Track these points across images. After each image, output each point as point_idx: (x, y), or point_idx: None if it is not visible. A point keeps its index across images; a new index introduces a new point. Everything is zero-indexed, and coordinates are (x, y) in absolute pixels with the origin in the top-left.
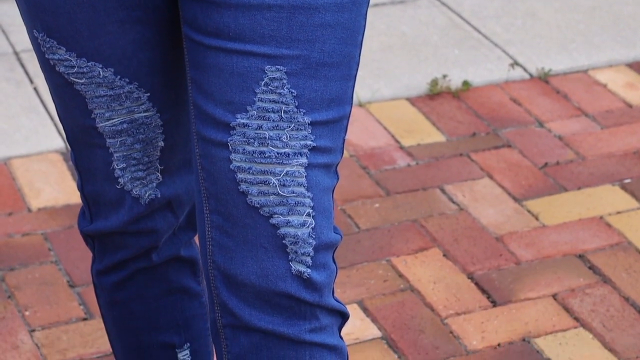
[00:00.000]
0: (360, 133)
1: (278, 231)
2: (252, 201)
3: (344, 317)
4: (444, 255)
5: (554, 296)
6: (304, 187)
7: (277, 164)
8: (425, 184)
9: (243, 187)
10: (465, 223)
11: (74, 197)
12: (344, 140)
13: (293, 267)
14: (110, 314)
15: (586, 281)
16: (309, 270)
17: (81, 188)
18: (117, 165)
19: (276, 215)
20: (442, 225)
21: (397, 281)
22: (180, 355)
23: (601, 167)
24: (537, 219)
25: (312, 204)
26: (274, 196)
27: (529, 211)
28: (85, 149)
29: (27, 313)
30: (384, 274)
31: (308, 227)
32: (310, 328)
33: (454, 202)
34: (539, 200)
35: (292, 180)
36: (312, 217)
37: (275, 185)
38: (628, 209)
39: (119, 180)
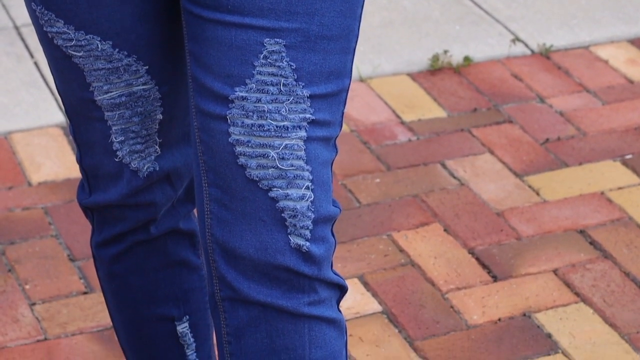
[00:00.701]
0: (361, 108)
1: (277, 204)
2: (250, 174)
3: (342, 290)
4: (445, 230)
5: (555, 271)
6: (303, 160)
7: (276, 137)
8: (426, 159)
9: (242, 160)
10: (466, 198)
11: (75, 171)
12: (342, 113)
13: (292, 240)
14: (109, 286)
15: (587, 256)
16: (307, 243)
17: (80, 161)
18: (116, 139)
19: (275, 189)
20: (443, 200)
21: (398, 256)
22: (179, 328)
23: (602, 143)
24: (538, 194)
25: (311, 177)
26: (272, 169)
27: (529, 186)
28: (83, 122)
29: (27, 287)
30: (385, 249)
31: (307, 200)
32: (309, 301)
33: (454, 178)
34: (540, 175)
35: (291, 154)
36: (311, 190)
37: (274, 159)
38: (629, 184)
39: (118, 153)
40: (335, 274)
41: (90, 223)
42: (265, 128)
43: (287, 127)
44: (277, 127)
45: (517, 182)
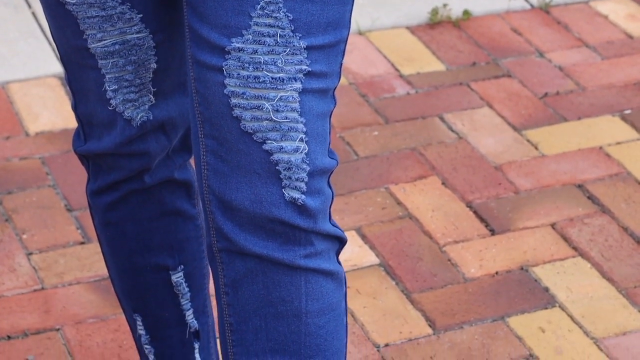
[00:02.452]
0: (360, 61)
1: (271, 157)
2: (245, 127)
3: (341, 242)
4: (443, 183)
5: (553, 225)
6: (297, 112)
7: (271, 89)
8: (424, 112)
9: (237, 112)
10: (464, 152)
11: (72, 121)
12: (341, 65)
13: (286, 193)
14: (104, 234)
15: (585, 211)
16: (303, 196)
17: (75, 108)
18: (109, 87)
19: (269, 141)
20: (441, 153)
21: (396, 209)
22: (173, 277)
23: (601, 98)
24: (536, 148)
25: (305, 130)
26: (267, 122)
27: (528, 141)
28: (78, 70)
29: (24, 236)
30: (383, 202)
31: (301, 152)
32: (305, 254)
33: (453, 131)
34: (539, 130)
35: (286, 106)
36: (306, 142)
37: (269, 111)
38: (628, 139)
39: (111, 101)
40: (334, 225)
41: (86, 171)
42: (260, 80)
43: (283, 79)
44: (272, 78)
45: (516, 136)
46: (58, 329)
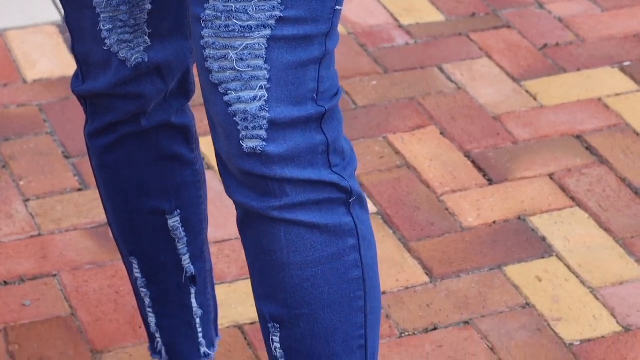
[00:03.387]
0: (358, 11)
1: (230, 109)
2: (213, 78)
3: (345, 191)
4: (441, 133)
5: (551, 176)
6: (262, 59)
7: (238, 38)
8: (423, 62)
9: (208, 63)
10: (462, 102)
11: (70, 69)
12: (333, 9)
13: (244, 144)
14: (101, 176)
15: (583, 161)
16: (263, 144)
17: (72, 48)
18: (104, 27)
19: (230, 92)
20: (439, 103)
21: (394, 158)
22: (170, 222)
23: (601, 50)
24: (535, 99)
25: (267, 77)
26: (230, 71)
27: (527, 91)
28: (75, 10)
29: (21, 183)
30: (381, 151)
31: (259, 100)
32: (280, 205)
33: (452, 81)
34: (538, 80)
35: (250, 54)
36: (266, 89)
37: (233, 60)
38: (627, 91)
39: (106, 41)
40: (337, 173)
41: (84, 112)
42: (230, 29)
43: (251, 27)
44: (241, 27)
45: (515, 86)
46: (55, 275)
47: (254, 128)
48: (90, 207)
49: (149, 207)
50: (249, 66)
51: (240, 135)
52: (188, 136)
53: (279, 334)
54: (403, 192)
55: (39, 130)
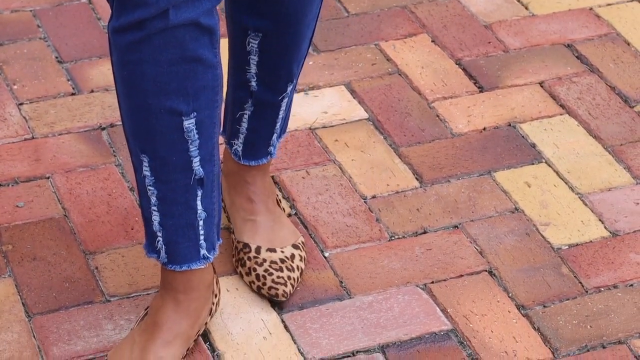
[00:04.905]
0: None
1: None
2: None
3: None
4: (433, 41)
5: (541, 84)
6: None
7: None
8: None
9: None
10: (454, 10)
11: None
12: None
13: None
14: (121, 73)
15: (573, 70)
16: None
17: None
18: None
19: None
20: (431, 11)
21: (385, 65)
22: (185, 123)
23: None
24: (526, 8)
25: None
26: None
27: (518, 0)
28: None
29: (15, 87)
30: (372, 58)
31: None
32: None
33: None
34: None
35: None
36: None
37: None
38: (618, 1)
39: None
40: None
41: (110, 6)
42: None
43: None
44: None
45: None
46: (48, 177)
47: None
48: (83, 112)
49: (167, 106)
50: None
51: None
52: (213, 39)
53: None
54: (394, 99)
55: (33, 35)
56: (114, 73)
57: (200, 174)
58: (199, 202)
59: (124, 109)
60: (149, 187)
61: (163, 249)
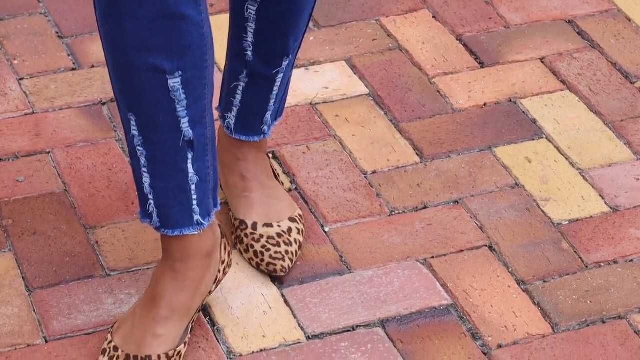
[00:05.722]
0: None
1: None
2: None
3: None
4: (434, 17)
5: (542, 59)
6: None
7: None
8: None
9: None
10: None
11: None
12: None
13: None
14: (104, 27)
15: (574, 46)
16: None
17: None
18: None
19: None
20: None
21: (386, 40)
22: (170, 82)
23: None
24: None
25: None
26: None
27: None
28: None
29: (15, 62)
30: (373, 33)
31: None
32: None
33: None
34: None
35: None
36: None
37: None
38: None
39: None
40: None
41: None
42: None
43: None
44: None
45: None
46: (48, 152)
47: None
48: (84, 86)
49: (149, 63)
50: None
51: None
52: None
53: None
54: (395, 74)
55: (33, 10)
56: (99, 29)
57: (189, 135)
58: (189, 165)
59: (110, 66)
60: (138, 148)
61: (155, 212)
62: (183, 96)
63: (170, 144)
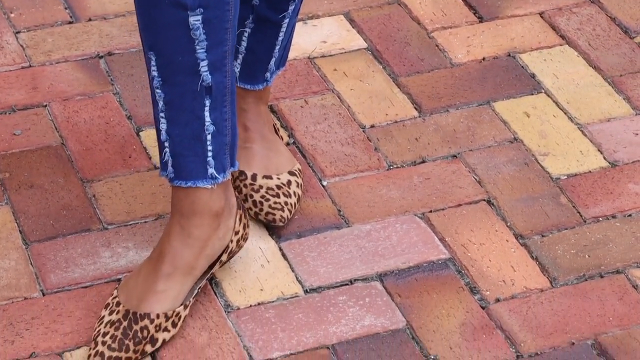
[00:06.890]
0: None
1: None
2: None
3: None
4: None
5: (541, 14)
6: None
7: None
8: None
9: None
10: None
11: None
12: None
13: None
14: None
15: (573, 0)
16: None
17: None
18: None
19: None
20: None
21: None
22: (191, 19)
23: None
24: None
25: None
26: None
27: None
28: None
29: (12, 15)
30: None
31: None
32: None
33: None
34: None
35: None
36: None
37: None
38: None
39: None
40: None
41: None
42: None
43: None
44: None
45: None
46: (45, 106)
47: None
48: (81, 40)
49: None
50: None
51: None
52: None
53: None
54: (393, 29)
55: None
56: None
57: (207, 80)
58: (206, 113)
59: (135, 2)
60: (157, 90)
61: (170, 161)
62: (203, 36)
63: (189, 88)
